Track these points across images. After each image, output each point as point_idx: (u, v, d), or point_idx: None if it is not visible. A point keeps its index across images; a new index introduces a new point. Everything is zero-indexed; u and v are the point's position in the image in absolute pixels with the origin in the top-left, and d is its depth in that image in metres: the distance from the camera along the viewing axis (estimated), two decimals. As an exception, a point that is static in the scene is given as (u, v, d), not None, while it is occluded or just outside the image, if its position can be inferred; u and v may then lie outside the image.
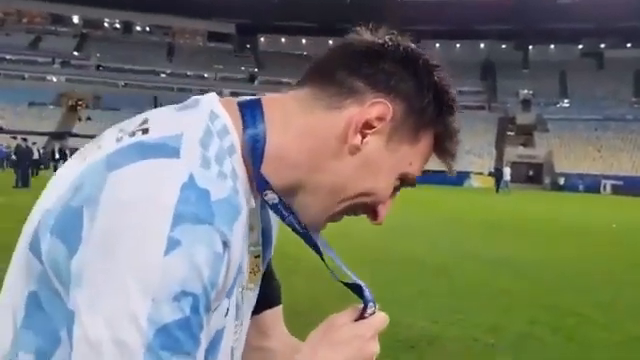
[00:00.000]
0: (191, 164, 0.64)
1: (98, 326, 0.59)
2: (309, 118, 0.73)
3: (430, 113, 0.74)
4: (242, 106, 0.74)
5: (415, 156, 0.75)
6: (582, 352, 4.42)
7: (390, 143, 0.73)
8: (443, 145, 0.77)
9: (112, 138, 0.70)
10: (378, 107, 0.72)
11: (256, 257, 0.80)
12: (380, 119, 0.72)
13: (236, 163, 0.70)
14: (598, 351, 4.45)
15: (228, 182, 0.67)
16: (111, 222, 0.61)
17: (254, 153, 0.71)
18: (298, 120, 0.73)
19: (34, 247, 0.66)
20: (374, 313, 0.75)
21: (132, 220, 0.60)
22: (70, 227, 0.62)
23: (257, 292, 0.84)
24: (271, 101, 0.75)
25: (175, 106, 0.75)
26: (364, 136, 0.72)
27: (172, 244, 0.59)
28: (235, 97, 0.80)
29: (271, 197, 0.73)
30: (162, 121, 0.70)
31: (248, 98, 0.76)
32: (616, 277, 7.53)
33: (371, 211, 0.78)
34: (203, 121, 0.70)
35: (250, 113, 0.73)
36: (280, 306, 0.95)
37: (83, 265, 0.61)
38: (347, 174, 0.73)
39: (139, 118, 0.72)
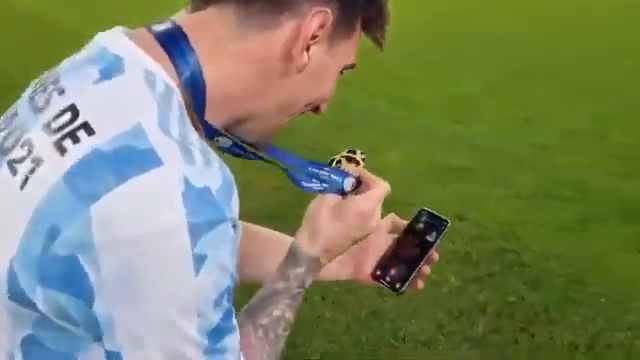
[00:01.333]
0: (177, 166, 0.57)
1: (155, 356, 0.58)
2: (242, 43, 0.65)
3: (362, 2, 0.70)
4: (163, 42, 0.64)
5: (352, 46, 0.72)
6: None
7: (331, 46, 0.69)
8: (374, 25, 0.73)
9: (46, 143, 0.59)
10: (319, 16, 0.66)
11: None
12: (321, 27, 0.66)
13: (188, 122, 0.63)
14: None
15: (211, 159, 0.61)
16: (122, 264, 0.55)
17: (196, 101, 0.65)
18: (231, 48, 0.65)
19: (17, 298, 0.58)
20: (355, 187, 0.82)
21: (147, 256, 0.55)
22: (68, 278, 0.56)
23: None
24: (194, 29, 0.65)
25: (92, 75, 0.62)
26: (308, 50, 0.67)
27: (199, 261, 0.56)
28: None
29: (223, 141, 0.71)
30: (99, 109, 0.59)
31: (163, 27, 0.66)
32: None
33: (315, 108, 0.76)
34: (145, 92, 0.60)
35: (178, 51, 0.64)
36: None
37: (110, 311, 0.56)
38: (294, 91, 0.70)
39: (58, 104, 0.61)
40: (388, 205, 3.42)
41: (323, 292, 2.82)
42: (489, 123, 5.72)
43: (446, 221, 0.92)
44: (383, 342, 2.57)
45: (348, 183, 0.83)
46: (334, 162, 0.86)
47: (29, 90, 0.69)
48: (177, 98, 0.63)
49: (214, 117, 0.68)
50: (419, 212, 0.94)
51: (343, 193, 0.83)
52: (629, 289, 3.08)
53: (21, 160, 0.60)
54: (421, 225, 0.93)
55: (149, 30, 0.67)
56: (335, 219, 0.80)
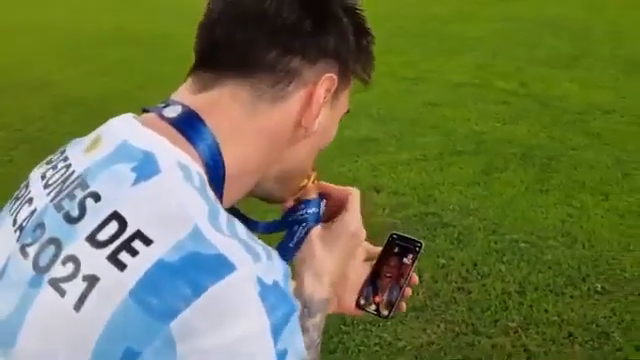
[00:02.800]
0: (249, 268, 0.54)
1: None
2: (258, 120, 0.65)
3: (355, 53, 0.71)
4: (182, 129, 0.62)
5: (347, 95, 0.74)
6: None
7: (334, 103, 0.71)
8: (362, 69, 0.74)
9: (97, 259, 0.54)
10: (327, 82, 0.67)
11: None
12: (328, 91, 0.68)
13: (223, 210, 0.61)
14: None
15: (269, 250, 0.59)
16: None
17: (216, 184, 0.63)
18: (247, 126, 0.65)
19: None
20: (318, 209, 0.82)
21: None
22: None
23: None
24: (209, 111, 0.64)
25: (126, 177, 0.57)
26: (319, 116, 0.68)
27: (281, 357, 0.55)
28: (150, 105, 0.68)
29: None
30: (149, 215, 0.55)
31: (176, 112, 0.63)
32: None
33: None
34: (187, 189, 0.57)
35: (198, 137, 0.62)
36: None
37: None
38: (307, 152, 0.72)
39: (99, 213, 0.56)
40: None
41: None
42: (382, 88, 5.88)
43: (419, 242, 0.95)
44: (334, 329, 2.61)
45: (323, 207, 0.84)
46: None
47: (36, 184, 0.65)
48: (209, 188, 0.61)
49: (231, 195, 0.67)
50: (390, 237, 0.96)
51: (320, 219, 0.83)
52: (541, 229, 3.34)
53: (68, 279, 0.54)
54: (396, 249, 0.95)
55: (160, 116, 0.64)
56: (330, 250, 0.80)
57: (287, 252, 0.78)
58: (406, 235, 0.96)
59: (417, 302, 2.78)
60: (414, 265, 0.92)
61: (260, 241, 0.60)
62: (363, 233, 0.82)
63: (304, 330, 0.76)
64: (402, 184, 3.99)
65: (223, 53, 0.66)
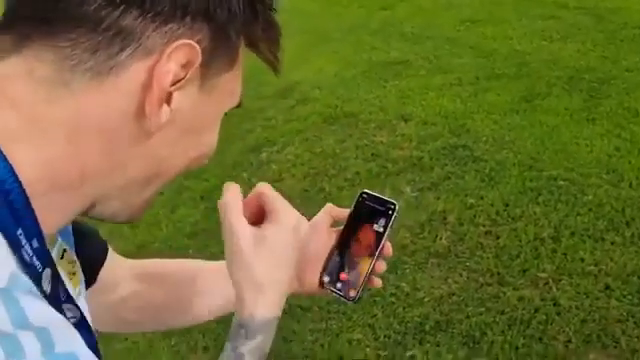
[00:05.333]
0: None
1: None
2: (69, 105, 0.44)
3: (241, 17, 0.48)
4: None
5: (235, 79, 0.52)
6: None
7: (204, 85, 0.49)
8: (264, 45, 0.52)
9: None
10: (181, 52, 0.45)
11: (69, 263, 0.59)
12: (186, 66, 0.46)
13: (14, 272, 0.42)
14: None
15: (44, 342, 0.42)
16: None
17: (10, 205, 0.42)
18: (52, 114, 0.43)
19: None
20: None
21: None
22: None
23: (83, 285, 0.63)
24: None
25: None
26: (169, 100, 0.46)
27: None
28: None
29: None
30: None
31: None
32: None
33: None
34: None
35: None
36: (109, 253, 0.78)
37: None
38: (160, 157, 0.50)
39: None
40: (332, 121, 3.21)
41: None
42: (416, 2, 5.42)
43: (393, 204, 0.76)
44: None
45: None
46: None
47: None
48: None
49: (48, 220, 0.45)
50: (359, 196, 0.78)
51: None
52: (583, 165, 3.03)
53: None
54: (365, 213, 0.77)
55: None
56: (272, 255, 0.63)
57: None
58: (379, 195, 0.77)
59: (440, 247, 2.58)
60: (387, 233, 0.75)
61: (53, 321, 0.43)
62: (304, 221, 0.67)
63: (237, 356, 0.60)
64: (432, 112, 3.68)
65: (25, 3, 0.45)
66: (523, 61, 4.18)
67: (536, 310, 2.23)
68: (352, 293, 0.74)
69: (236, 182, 0.67)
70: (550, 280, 2.36)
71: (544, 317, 2.19)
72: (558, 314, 2.21)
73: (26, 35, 0.44)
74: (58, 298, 0.50)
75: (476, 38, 4.65)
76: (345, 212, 0.78)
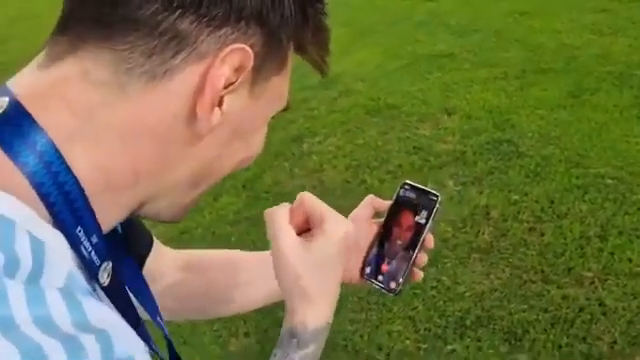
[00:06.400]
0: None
1: None
2: (124, 108, 0.44)
3: (293, 22, 0.48)
4: (2, 135, 0.42)
5: (284, 82, 0.52)
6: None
7: (254, 88, 0.49)
8: (313, 48, 0.52)
9: None
10: (234, 56, 0.46)
11: None
12: (239, 70, 0.47)
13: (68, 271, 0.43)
14: None
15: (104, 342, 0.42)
16: None
17: (69, 204, 0.43)
18: (107, 117, 0.44)
19: None
20: None
21: None
22: None
23: None
24: (49, 99, 0.43)
25: None
26: (220, 103, 0.47)
27: None
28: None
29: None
30: None
31: (6, 107, 0.43)
32: None
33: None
34: None
35: (22, 143, 0.42)
36: (154, 243, 0.79)
37: None
38: (210, 157, 0.50)
39: None
40: (374, 113, 3.18)
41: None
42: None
43: (435, 195, 0.76)
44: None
45: None
46: None
47: None
48: (29, 230, 0.40)
49: (103, 218, 0.47)
50: (401, 187, 0.78)
51: None
52: (633, 163, 2.95)
53: None
54: (407, 204, 0.76)
55: None
56: (323, 265, 0.62)
57: None
58: (421, 186, 0.77)
59: (482, 243, 2.55)
60: (429, 225, 0.74)
61: (111, 323, 0.43)
62: (351, 225, 0.65)
63: None
64: (477, 106, 3.63)
65: (85, 4, 0.45)
66: (572, 55, 4.08)
67: (581, 309, 2.19)
68: (393, 285, 0.74)
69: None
70: (596, 280, 2.31)
71: (589, 317, 2.15)
72: (604, 314, 2.16)
73: (82, 37, 0.44)
74: (119, 292, 0.51)
75: (524, 31, 4.55)
76: (386, 204, 0.78)
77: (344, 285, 0.69)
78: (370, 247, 0.78)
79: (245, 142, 0.52)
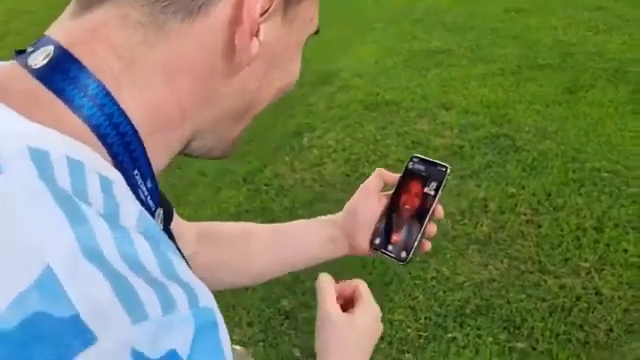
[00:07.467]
0: (117, 336, 0.35)
1: None
2: (165, 46, 0.44)
3: None
4: (50, 83, 0.42)
5: (313, 5, 0.52)
6: None
7: (287, 14, 0.49)
8: None
9: None
10: None
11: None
12: None
13: (129, 207, 0.41)
14: None
15: (176, 296, 0.40)
16: None
17: (125, 147, 0.44)
18: (151, 57, 0.44)
19: None
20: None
21: None
22: None
23: None
24: (92, 44, 0.44)
25: None
26: (258, 33, 0.46)
27: None
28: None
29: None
30: None
31: (51, 55, 0.43)
32: None
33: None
34: (43, 197, 0.36)
35: (74, 90, 0.42)
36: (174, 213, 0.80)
37: None
38: (249, 90, 0.50)
39: None
40: (373, 108, 3.22)
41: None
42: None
43: (444, 166, 0.79)
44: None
45: None
46: None
47: None
48: (97, 170, 0.40)
49: (155, 160, 0.47)
50: (410, 160, 0.81)
51: None
52: (628, 157, 3.00)
53: None
54: (416, 176, 0.79)
55: (25, 66, 0.43)
56: (359, 334, 0.75)
57: None
58: (429, 159, 0.80)
59: (480, 234, 2.60)
60: (438, 195, 0.77)
61: (188, 274, 0.42)
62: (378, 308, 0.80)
63: None
64: (474, 101, 3.68)
65: None
66: (567, 52, 4.13)
67: (577, 298, 2.24)
68: (403, 255, 0.77)
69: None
70: (592, 270, 2.36)
71: (585, 305, 2.20)
72: (600, 303, 2.21)
73: None
74: (172, 238, 0.53)
75: (520, 28, 4.60)
76: (396, 176, 0.81)
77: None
78: (380, 219, 0.80)
79: (282, 71, 0.52)
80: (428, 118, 3.57)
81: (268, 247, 0.86)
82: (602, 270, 2.35)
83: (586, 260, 2.41)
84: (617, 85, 3.66)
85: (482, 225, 2.65)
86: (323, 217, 0.88)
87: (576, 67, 3.93)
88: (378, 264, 2.46)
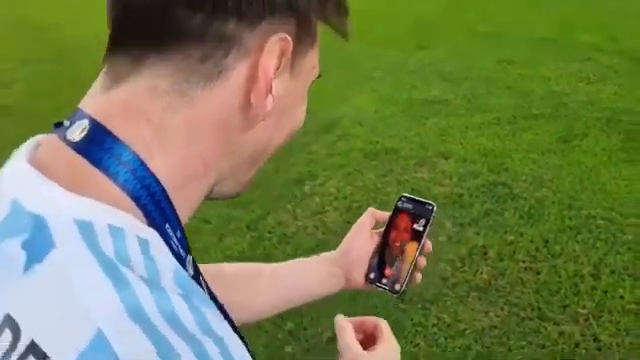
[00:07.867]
0: None
1: None
2: (190, 111, 0.48)
3: (316, 4, 0.53)
4: (89, 155, 0.46)
5: (315, 56, 0.57)
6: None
7: (294, 68, 0.53)
8: (334, 19, 0.56)
9: None
10: (277, 45, 0.50)
11: None
12: (282, 55, 0.51)
13: (168, 266, 0.47)
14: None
15: (231, 348, 0.47)
16: None
17: (159, 207, 0.48)
18: (177, 122, 0.48)
19: None
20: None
21: None
22: None
23: None
24: (124, 116, 0.48)
25: (17, 259, 0.42)
26: (271, 90, 0.51)
27: None
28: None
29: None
30: (43, 316, 0.41)
31: (88, 128, 0.47)
32: None
33: None
34: (90, 266, 0.42)
35: (111, 161, 0.46)
36: None
37: None
38: (264, 138, 0.55)
39: None
40: (372, 156, 3.32)
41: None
42: (455, 43, 5.57)
43: (431, 205, 0.87)
44: (391, 306, 2.54)
45: None
46: None
47: None
48: (136, 233, 0.44)
49: (182, 210, 0.52)
50: (399, 200, 0.88)
51: None
52: (622, 205, 3.08)
53: None
54: (405, 214, 0.86)
55: (65, 140, 0.48)
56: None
57: None
58: (417, 197, 0.88)
59: (480, 282, 2.65)
60: (427, 231, 0.85)
61: (222, 327, 0.47)
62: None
63: None
64: (472, 150, 3.78)
65: (135, 24, 0.48)
66: (560, 102, 4.26)
67: (576, 345, 2.28)
68: (397, 287, 0.84)
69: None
70: (590, 316, 2.41)
71: (584, 352, 2.24)
72: (599, 349, 2.25)
73: (141, 56, 0.48)
74: (200, 283, 0.56)
75: (513, 78, 4.76)
76: (386, 215, 0.88)
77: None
78: (373, 254, 0.87)
79: (292, 116, 0.57)
80: (427, 166, 3.66)
81: (269, 286, 0.91)
82: (600, 317, 2.40)
83: (584, 307, 2.46)
84: (610, 134, 3.77)
85: (482, 272, 2.70)
86: (319, 256, 0.93)
87: (569, 116, 4.06)
88: (381, 309, 2.51)
